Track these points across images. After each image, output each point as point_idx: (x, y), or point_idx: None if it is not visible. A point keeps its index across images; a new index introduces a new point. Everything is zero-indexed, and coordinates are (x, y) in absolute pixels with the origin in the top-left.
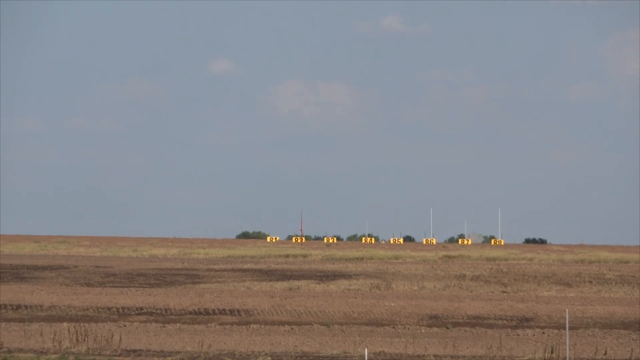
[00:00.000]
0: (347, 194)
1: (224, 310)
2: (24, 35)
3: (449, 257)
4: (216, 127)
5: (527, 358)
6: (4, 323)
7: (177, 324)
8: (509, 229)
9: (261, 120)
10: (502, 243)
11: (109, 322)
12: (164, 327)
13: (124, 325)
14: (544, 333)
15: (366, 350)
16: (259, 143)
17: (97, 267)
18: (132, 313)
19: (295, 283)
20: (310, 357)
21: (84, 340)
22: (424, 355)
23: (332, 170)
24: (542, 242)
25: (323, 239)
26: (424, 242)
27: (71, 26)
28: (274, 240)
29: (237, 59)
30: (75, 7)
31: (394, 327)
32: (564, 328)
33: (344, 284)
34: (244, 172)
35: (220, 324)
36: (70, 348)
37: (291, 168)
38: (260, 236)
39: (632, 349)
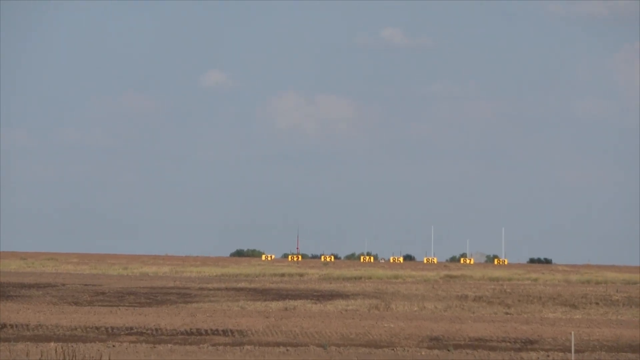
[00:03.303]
0: (345, 211)
1: (216, 330)
2: (10, 43)
3: (451, 276)
4: (210, 142)
5: None
6: None
7: (168, 345)
8: (512, 248)
9: (257, 135)
10: (506, 262)
11: (97, 342)
12: (155, 347)
13: (113, 346)
14: (548, 356)
15: None
16: (255, 158)
17: (85, 285)
18: (122, 333)
19: (291, 303)
20: None
21: None
22: None
23: (331, 186)
24: (547, 261)
25: (320, 258)
26: (425, 261)
27: (61, 37)
28: (269, 258)
29: (232, 71)
30: (66, 18)
31: (393, 349)
32: (570, 351)
33: (341, 304)
34: (239, 188)
35: (213, 345)
36: None
37: (288, 184)
38: (255, 254)
39: None
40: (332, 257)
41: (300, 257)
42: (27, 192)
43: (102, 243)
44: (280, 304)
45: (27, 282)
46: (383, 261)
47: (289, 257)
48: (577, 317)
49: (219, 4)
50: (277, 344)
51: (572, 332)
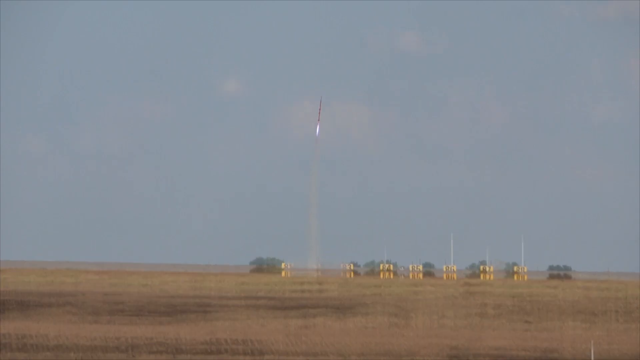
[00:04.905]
0: (364, 218)
1: (236, 341)
2: (30, 51)
3: (470, 292)
4: (228, 149)
5: None
6: (9, 353)
7: (188, 356)
8: (532, 256)
9: (275, 142)
10: (525, 270)
11: (117, 353)
12: (175, 359)
13: (133, 356)
14: None
15: None
16: (273, 165)
17: (105, 294)
18: (142, 344)
19: (311, 312)
20: None
21: None
22: None
23: (349, 193)
24: (567, 269)
25: (339, 266)
26: (444, 277)
27: (78, 45)
28: (288, 266)
29: (248, 79)
30: (83, 27)
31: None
32: None
33: (361, 314)
34: (258, 195)
35: (233, 356)
36: None
37: (306, 191)
38: (274, 262)
39: None
40: (352, 265)
41: (319, 265)
42: (45, 199)
43: (120, 251)
44: (299, 315)
45: (47, 293)
46: (403, 270)
47: (310, 265)
48: (597, 330)
49: (237, 13)
50: (297, 355)
51: (592, 341)
